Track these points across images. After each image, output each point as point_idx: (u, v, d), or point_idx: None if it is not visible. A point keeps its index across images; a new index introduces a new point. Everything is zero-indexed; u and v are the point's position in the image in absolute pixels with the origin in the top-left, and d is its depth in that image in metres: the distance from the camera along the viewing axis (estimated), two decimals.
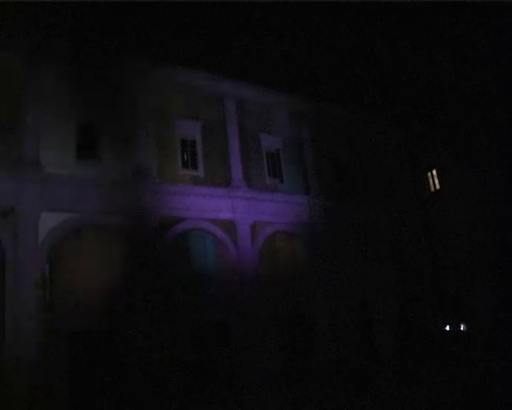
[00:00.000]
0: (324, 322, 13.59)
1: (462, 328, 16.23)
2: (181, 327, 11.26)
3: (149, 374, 10.18)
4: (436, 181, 19.60)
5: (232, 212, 12.71)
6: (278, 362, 12.37)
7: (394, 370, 13.07)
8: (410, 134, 20.08)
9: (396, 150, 19.45)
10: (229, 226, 12.62)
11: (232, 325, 12.10)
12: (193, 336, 11.58)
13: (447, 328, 16.49)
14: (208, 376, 11.43)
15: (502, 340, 13.58)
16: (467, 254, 16.80)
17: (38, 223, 9.88)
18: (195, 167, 12.81)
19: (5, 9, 10.40)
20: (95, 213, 10.73)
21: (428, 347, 15.29)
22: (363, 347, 14.41)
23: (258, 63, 15.70)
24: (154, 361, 10.29)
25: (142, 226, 11.08)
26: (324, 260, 14.03)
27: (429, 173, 19.95)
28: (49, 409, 9.15)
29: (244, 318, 12.02)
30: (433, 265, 17.96)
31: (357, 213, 15.64)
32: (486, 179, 16.62)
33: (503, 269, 14.78)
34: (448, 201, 18.37)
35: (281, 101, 14.77)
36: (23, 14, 10.92)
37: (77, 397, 9.89)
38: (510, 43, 15.25)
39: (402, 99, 19.89)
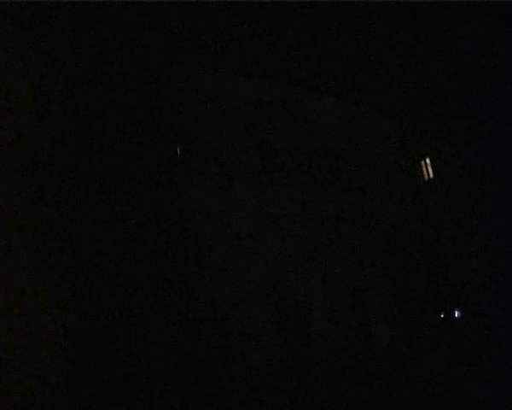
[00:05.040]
0: (320, 312, 14.13)
1: (459, 317, 16.54)
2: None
3: (142, 370, 9.91)
4: (430, 169, 21.63)
5: None
6: (275, 355, 12.62)
7: (392, 361, 13.31)
8: (404, 122, 21.10)
9: (389, 139, 20.42)
10: None
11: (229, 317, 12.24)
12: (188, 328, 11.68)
13: (445, 317, 16.79)
14: (203, 370, 11.50)
15: (500, 329, 13.52)
16: (463, 243, 17.70)
17: None
18: None
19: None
20: None
21: (426, 336, 15.73)
22: (359, 337, 14.89)
23: None
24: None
25: None
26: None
27: (422, 162, 21.93)
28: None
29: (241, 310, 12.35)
30: (429, 254, 18.52)
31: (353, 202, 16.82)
32: (481, 168, 17.77)
33: (499, 257, 15.20)
34: (441, 189, 19.75)
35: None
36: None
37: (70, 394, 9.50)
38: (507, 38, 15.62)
39: (396, 87, 20.70)
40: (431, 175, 20.82)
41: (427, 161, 21.13)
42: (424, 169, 21.19)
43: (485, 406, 7.86)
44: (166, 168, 11.46)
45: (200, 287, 12.06)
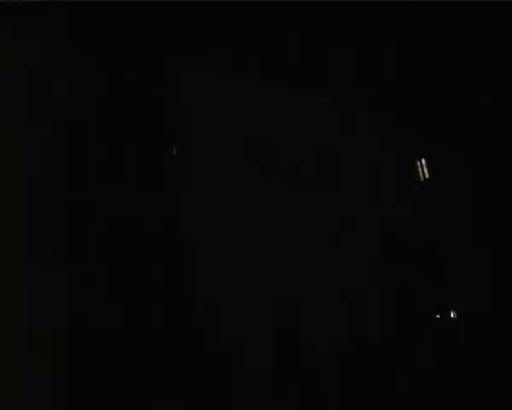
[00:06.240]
0: (318, 314, 15.01)
1: (459, 317, 17.19)
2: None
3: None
4: (429, 170, 22.29)
5: None
6: (270, 359, 13.22)
7: (391, 362, 13.97)
8: (399, 121, 22.31)
9: (388, 138, 21.88)
10: None
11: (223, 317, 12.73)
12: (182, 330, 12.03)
13: (444, 317, 17.55)
14: (195, 373, 11.96)
15: (500, 329, 14.34)
16: (463, 243, 18.87)
17: None
18: None
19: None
20: None
21: (424, 335, 16.52)
22: (359, 338, 15.65)
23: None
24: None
25: None
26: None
27: (422, 162, 22.55)
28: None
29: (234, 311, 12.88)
30: (428, 253, 19.52)
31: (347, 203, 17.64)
32: (480, 167, 19.05)
33: (500, 257, 16.03)
34: (441, 189, 20.97)
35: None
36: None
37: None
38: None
39: (391, 84, 21.52)
40: (430, 175, 21.52)
41: (427, 161, 21.96)
42: (423, 169, 21.99)
43: (485, 405, 7.76)
44: (160, 169, 11.50)
45: (193, 289, 12.14)
